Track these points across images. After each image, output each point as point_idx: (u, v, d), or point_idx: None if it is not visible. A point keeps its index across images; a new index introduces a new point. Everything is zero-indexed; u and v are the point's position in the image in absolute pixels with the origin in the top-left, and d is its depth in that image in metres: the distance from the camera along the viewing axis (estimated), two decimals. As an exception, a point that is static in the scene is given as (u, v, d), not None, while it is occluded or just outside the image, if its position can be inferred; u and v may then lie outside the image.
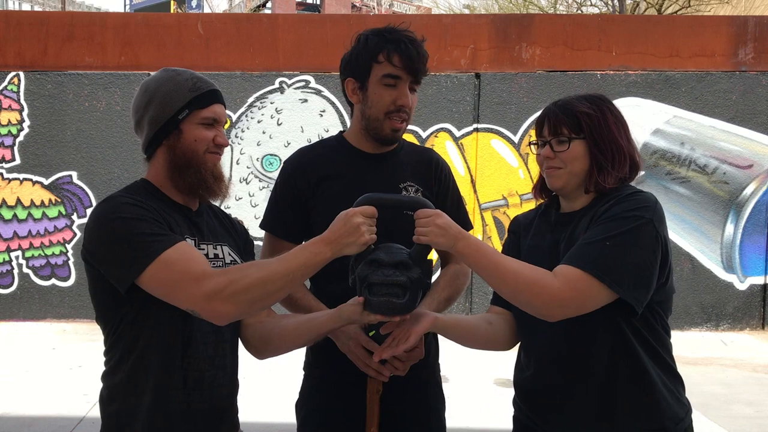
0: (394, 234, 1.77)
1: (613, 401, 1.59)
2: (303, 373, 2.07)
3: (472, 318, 1.81)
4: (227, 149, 6.70)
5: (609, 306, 1.53)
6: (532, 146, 1.75)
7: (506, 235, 1.88)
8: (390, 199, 1.60)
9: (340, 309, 1.60)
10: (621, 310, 1.54)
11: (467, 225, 2.08)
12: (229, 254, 1.67)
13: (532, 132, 6.80)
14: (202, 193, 1.64)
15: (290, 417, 2.12)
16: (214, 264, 1.59)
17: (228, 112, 6.71)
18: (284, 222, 2.01)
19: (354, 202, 1.58)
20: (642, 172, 1.67)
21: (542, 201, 1.81)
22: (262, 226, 2.05)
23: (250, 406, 1.66)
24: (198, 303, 1.44)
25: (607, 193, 1.63)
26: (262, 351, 1.72)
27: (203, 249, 1.61)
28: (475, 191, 6.76)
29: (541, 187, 1.79)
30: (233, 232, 1.78)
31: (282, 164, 2.06)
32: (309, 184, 1.96)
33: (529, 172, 6.78)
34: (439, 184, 2.02)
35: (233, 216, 1.86)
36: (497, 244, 6.73)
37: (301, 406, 2.04)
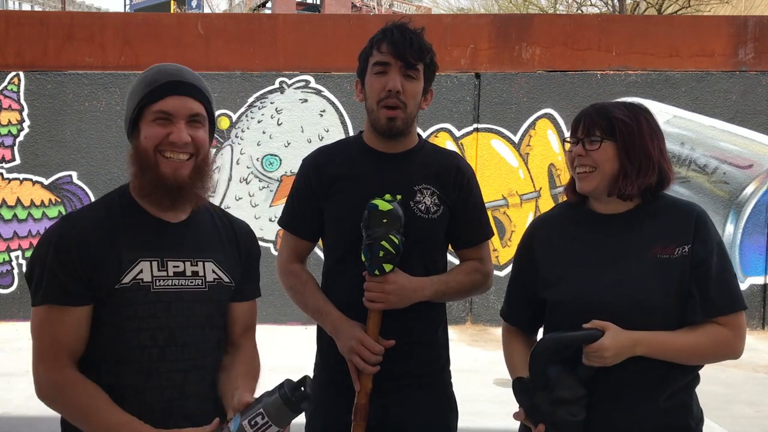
0: (408, 235, 1.80)
1: (661, 388, 1.63)
2: (312, 374, 2.08)
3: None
4: (227, 149, 6.76)
5: (681, 304, 1.62)
6: (565, 144, 1.78)
7: (518, 249, 1.87)
8: (567, 338, 1.64)
9: None
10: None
11: (488, 233, 2.05)
12: (213, 272, 1.55)
13: (533, 132, 6.84)
14: (160, 201, 1.50)
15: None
16: (191, 281, 1.51)
17: (228, 112, 6.71)
18: (300, 219, 2.02)
19: (534, 347, 1.62)
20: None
21: (568, 200, 1.82)
22: (280, 223, 2.07)
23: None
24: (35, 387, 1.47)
25: (650, 200, 1.69)
26: None
27: (177, 267, 1.50)
28: (475, 191, 6.75)
29: (573, 188, 1.79)
30: (232, 242, 1.64)
31: (301, 162, 2.07)
32: (323, 183, 1.96)
33: (529, 172, 6.78)
34: (459, 190, 1.97)
35: (241, 221, 1.73)
36: (498, 245, 6.74)
37: (308, 406, 2.04)
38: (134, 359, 1.46)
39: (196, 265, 1.53)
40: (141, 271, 1.47)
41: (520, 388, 1.65)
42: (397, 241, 1.77)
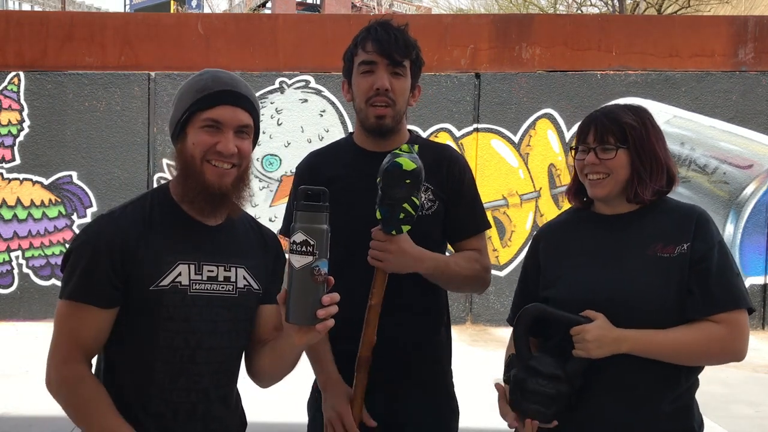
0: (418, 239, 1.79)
1: (666, 391, 1.62)
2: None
3: None
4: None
5: (680, 306, 1.61)
6: (572, 151, 1.77)
7: (525, 256, 1.88)
8: (553, 313, 1.65)
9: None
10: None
11: (484, 224, 2.03)
12: (244, 278, 1.56)
13: (533, 132, 6.85)
14: (203, 208, 1.52)
15: (295, 417, 2.12)
16: (223, 287, 1.52)
17: (228, 112, 6.72)
18: None
19: (519, 312, 1.65)
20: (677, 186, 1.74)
21: (573, 205, 1.83)
22: (281, 231, 2.04)
23: (256, 405, 1.67)
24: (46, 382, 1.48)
25: (655, 202, 1.68)
26: (261, 380, 1.66)
27: (211, 271, 1.52)
28: (475, 191, 6.76)
29: (576, 191, 1.79)
30: (262, 248, 1.65)
31: (296, 168, 2.06)
32: (319, 185, 1.95)
33: (529, 172, 6.78)
34: (452, 181, 1.95)
35: (268, 229, 1.74)
36: (497, 245, 6.74)
37: (310, 407, 2.05)
38: (166, 360, 1.47)
39: (229, 271, 1.55)
40: (180, 274, 1.48)
41: (507, 362, 1.68)
42: (417, 202, 1.74)
